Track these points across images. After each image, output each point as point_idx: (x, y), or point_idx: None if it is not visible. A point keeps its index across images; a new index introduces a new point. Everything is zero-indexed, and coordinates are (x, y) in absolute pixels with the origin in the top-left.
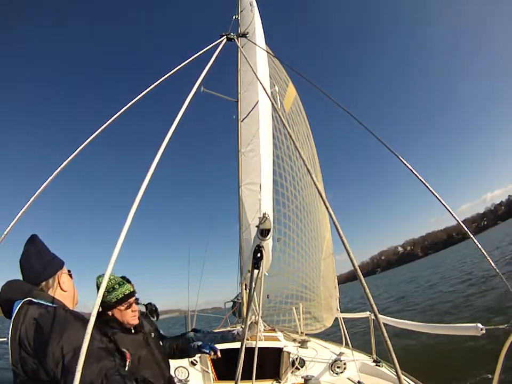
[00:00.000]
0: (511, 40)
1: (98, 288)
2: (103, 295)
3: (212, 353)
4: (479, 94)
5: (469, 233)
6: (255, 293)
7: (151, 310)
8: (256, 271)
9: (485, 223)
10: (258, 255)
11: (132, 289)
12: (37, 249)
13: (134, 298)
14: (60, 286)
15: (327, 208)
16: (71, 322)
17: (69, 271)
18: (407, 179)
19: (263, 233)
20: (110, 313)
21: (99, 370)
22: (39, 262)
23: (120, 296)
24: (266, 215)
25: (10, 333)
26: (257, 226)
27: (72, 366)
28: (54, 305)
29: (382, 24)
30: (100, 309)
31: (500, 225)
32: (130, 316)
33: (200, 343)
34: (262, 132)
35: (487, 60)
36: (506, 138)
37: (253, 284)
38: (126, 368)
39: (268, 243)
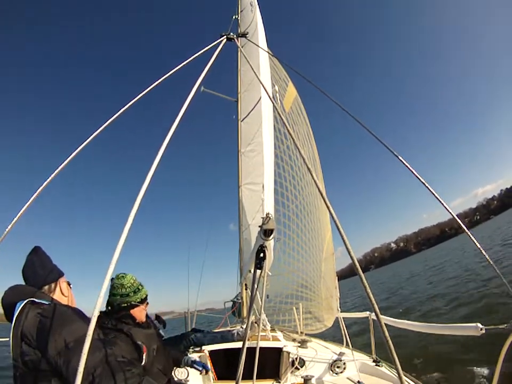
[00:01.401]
0: (508, 42)
1: (114, 288)
2: (128, 295)
3: (204, 372)
4: (467, 92)
5: (464, 228)
6: (257, 293)
7: (160, 319)
8: (258, 271)
9: (478, 217)
10: (261, 255)
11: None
12: (40, 259)
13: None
14: (61, 291)
15: (327, 207)
16: (72, 316)
17: (68, 282)
18: (399, 175)
19: (266, 233)
20: (131, 312)
21: (101, 358)
22: (42, 269)
23: (144, 296)
24: (270, 215)
25: (12, 330)
26: (261, 226)
27: (73, 354)
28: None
29: (383, 23)
30: (110, 308)
31: (492, 219)
32: (144, 314)
33: (194, 358)
34: (265, 132)
35: (482, 59)
36: (494, 135)
37: (255, 284)
38: (143, 362)
39: (270, 243)
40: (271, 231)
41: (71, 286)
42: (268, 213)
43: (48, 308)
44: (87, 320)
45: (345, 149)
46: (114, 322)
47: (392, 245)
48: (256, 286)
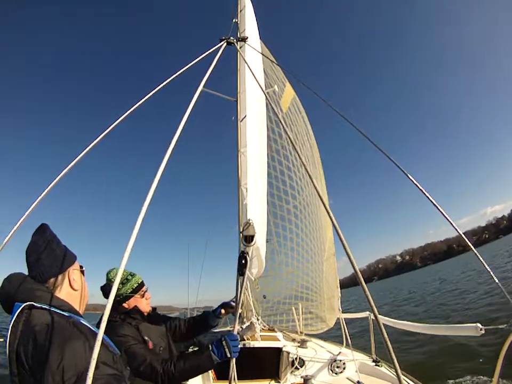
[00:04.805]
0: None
1: (109, 281)
2: (118, 288)
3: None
4: (481, 111)
5: (470, 244)
6: (242, 298)
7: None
8: (248, 275)
9: (486, 236)
10: (243, 261)
11: (141, 279)
12: (47, 240)
13: (145, 287)
14: (70, 284)
15: (327, 211)
16: (76, 340)
17: (81, 266)
18: (407, 189)
19: (247, 239)
20: (126, 304)
21: None
22: (48, 256)
23: (135, 286)
24: (250, 222)
25: (8, 340)
26: (241, 233)
27: None
28: (59, 311)
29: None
30: (115, 304)
31: (501, 239)
32: (145, 304)
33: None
34: (250, 134)
35: (491, 74)
36: (505, 154)
37: (239, 290)
38: None
39: (260, 248)
40: (252, 237)
41: (84, 271)
42: (249, 219)
43: (44, 327)
44: (93, 339)
45: (360, 159)
46: (123, 317)
47: (398, 257)
48: (240, 291)
